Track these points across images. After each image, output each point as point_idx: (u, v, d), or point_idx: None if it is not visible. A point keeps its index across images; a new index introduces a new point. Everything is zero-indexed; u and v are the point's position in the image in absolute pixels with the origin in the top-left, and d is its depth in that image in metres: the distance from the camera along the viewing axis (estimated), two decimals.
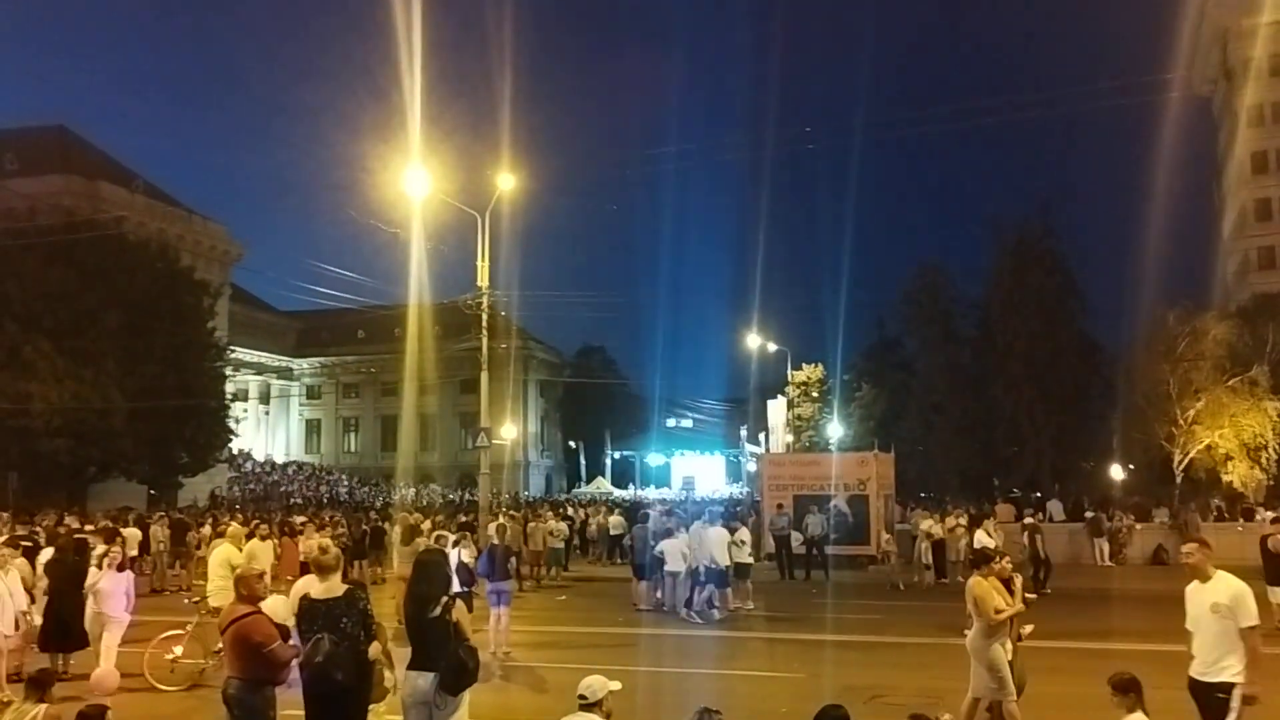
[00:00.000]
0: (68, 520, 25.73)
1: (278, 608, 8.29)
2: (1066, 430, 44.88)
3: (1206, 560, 7.41)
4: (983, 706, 8.73)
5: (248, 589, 7.43)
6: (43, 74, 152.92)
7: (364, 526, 26.52)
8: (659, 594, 19.30)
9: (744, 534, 20.34)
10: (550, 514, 29.22)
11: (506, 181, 28.98)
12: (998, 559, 9.44)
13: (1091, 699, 7.74)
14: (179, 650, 12.10)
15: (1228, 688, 7.05)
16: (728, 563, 18.84)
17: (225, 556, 12.92)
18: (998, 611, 8.76)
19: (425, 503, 48.57)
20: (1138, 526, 28.67)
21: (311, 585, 7.36)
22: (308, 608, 7.05)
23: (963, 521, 23.72)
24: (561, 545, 25.85)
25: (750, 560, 20.20)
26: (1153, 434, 42.16)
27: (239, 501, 46.91)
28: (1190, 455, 41.66)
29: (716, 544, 18.91)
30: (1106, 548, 27.42)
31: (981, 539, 18.62)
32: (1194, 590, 7.43)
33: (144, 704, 10.89)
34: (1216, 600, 7.20)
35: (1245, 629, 7.11)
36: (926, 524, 24.04)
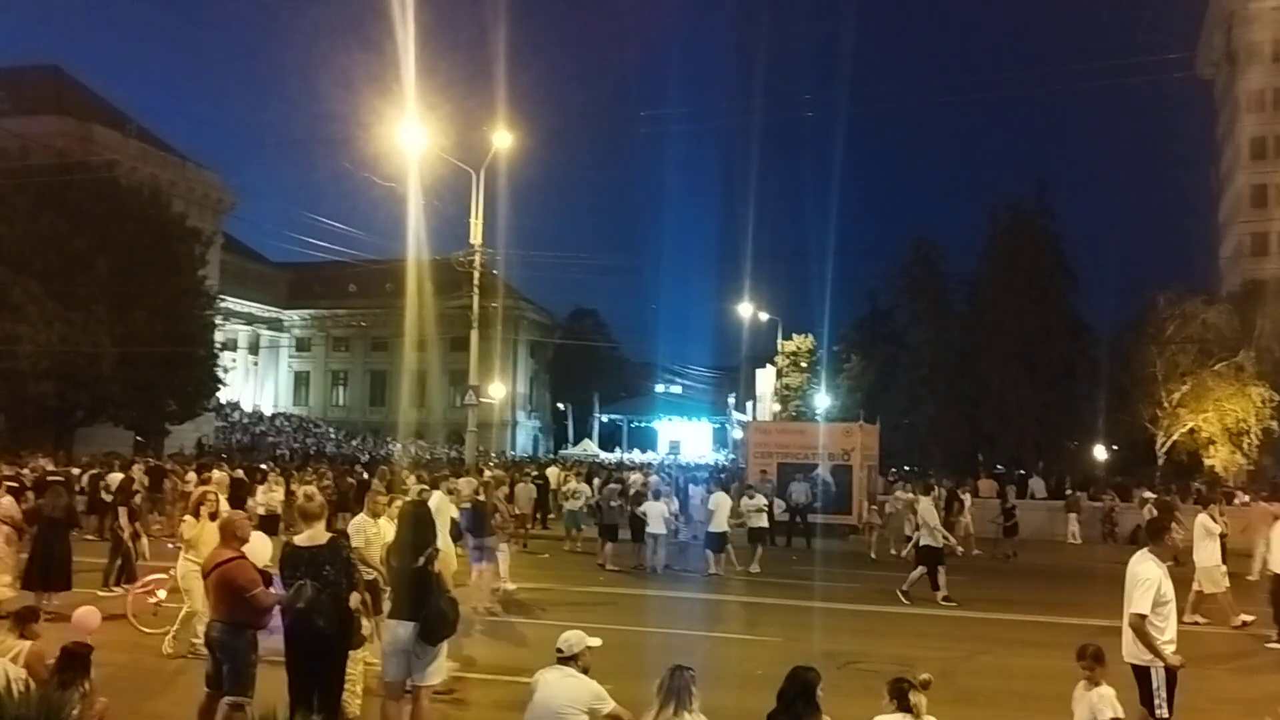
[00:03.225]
0: (41, 461, 25.80)
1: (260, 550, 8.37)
2: (1052, 409, 45.09)
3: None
4: None
5: (232, 533, 7.50)
6: (39, 13, 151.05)
7: (350, 479, 26.58)
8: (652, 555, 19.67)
9: (761, 500, 20.84)
10: (573, 474, 28.55)
11: (502, 139, 28.86)
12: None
13: (1060, 671, 7.90)
14: (162, 594, 12.20)
15: None
16: (727, 528, 19.49)
17: None
18: None
19: (414, 458, 48.76)
20: (1118, 506, 29.01)
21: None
22: (291, 554, 7.13)
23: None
24: (581, 507, 24.12)
25: (766, 525, 20.72)
26: (1137, 415, 42.48)
27: (225, 451, 46.95)
28: (1173, 438, 42.00)
29: (724, 508, 19.56)
30: (1078, 527, 27.84)
31: (1207, 525, 15.24)
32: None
33: (128, 645, 11.00)
34: None
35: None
36: (908, 497, 24.24)
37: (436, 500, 12.85)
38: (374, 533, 10.18)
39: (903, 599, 16.10)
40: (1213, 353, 41.06)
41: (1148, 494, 28.00)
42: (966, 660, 12.12)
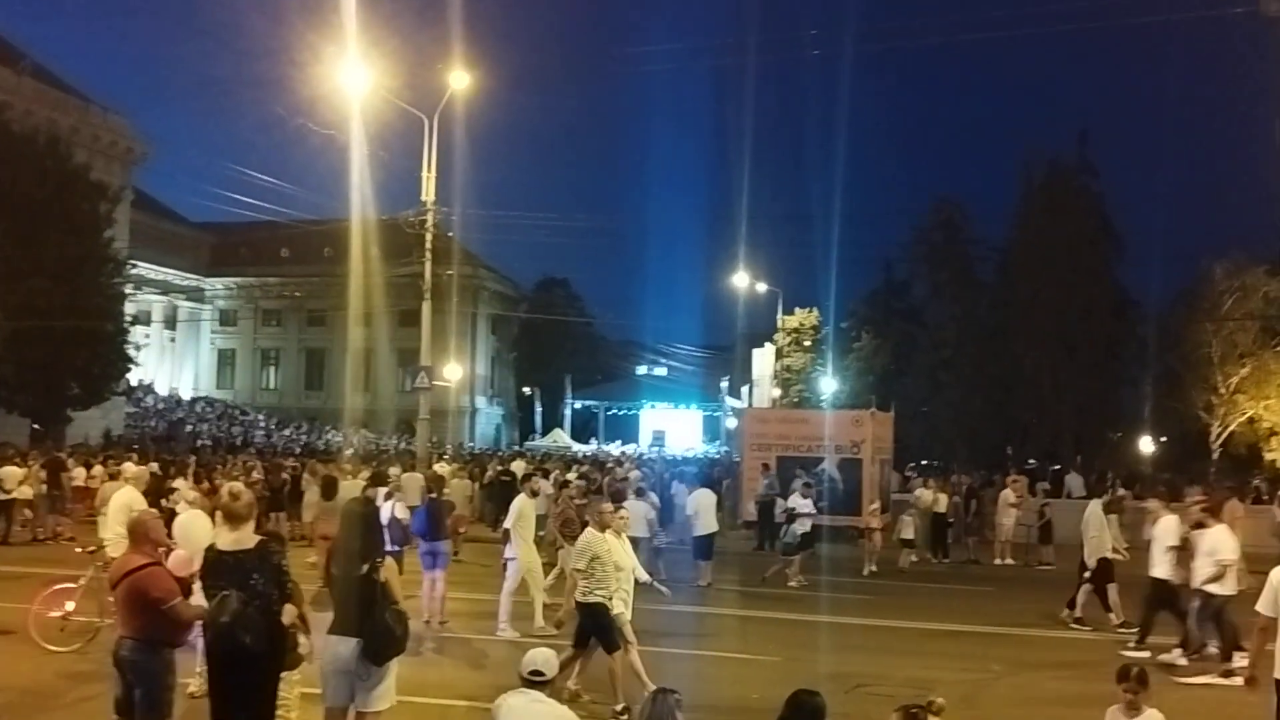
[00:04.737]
0: None
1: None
2: (1093, 395, 45.36)
3: None
4: None
5: (145, 536, 7.46)
6: None
7: (283, 474, 26.55)
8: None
9: (810, 504, 20.83)
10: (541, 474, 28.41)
11: (459, 80, 28.71)
12: None
13: (1096, 695, 7.98)
14: (70, 606, 12.15)
15: None
16: (714, 530, 19.88)
17: (126, 501, 12.87)
18: None
19: (358, 450, 48.65)
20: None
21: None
22: (214, 561, 7.10)
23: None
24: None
25: (808, 529, 20.62)
26: (1189, 403, 42.73)
27: (138, 441, 46.75)
28: (1230, 428, 42.28)
29: (709, 509, 19.92)
30: (1119, 530, 27.92)
31: None
32: None
33: (29, 665, 10.97)
34: None
35: None
36: (927, 496, 24.30)
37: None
38: (604, 549, 10.37)
39: (1077, 627, 15.79)
40: (1276, 331, 41.29)
41: None
42: (991, 684, 12.23)
